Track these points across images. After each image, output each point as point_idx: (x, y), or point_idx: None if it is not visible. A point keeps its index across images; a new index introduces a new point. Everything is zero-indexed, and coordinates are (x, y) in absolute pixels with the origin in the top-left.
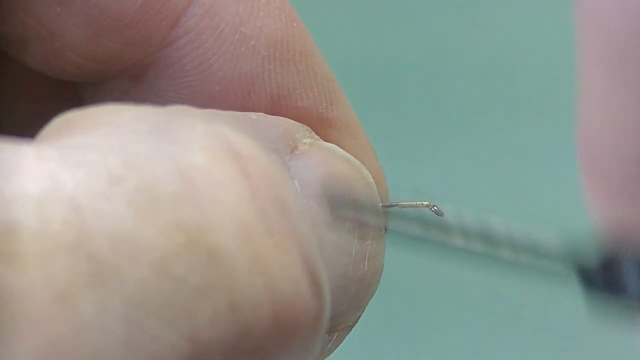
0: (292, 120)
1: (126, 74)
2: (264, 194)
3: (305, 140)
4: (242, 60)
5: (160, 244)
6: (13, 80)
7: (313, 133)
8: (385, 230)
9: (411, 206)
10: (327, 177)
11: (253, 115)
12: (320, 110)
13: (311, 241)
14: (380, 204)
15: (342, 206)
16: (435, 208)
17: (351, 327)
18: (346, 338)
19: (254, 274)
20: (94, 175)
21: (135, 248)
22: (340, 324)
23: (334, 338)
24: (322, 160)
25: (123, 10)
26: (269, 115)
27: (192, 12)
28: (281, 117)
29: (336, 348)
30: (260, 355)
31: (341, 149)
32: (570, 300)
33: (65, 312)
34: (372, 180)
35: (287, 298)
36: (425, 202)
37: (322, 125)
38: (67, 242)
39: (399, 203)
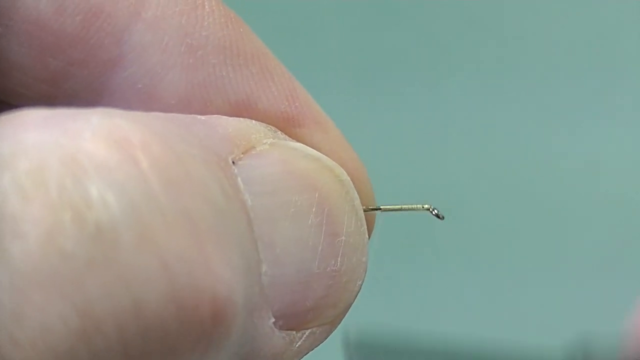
0: (253, 122)
1: (81, 99)
2: (155, 178)
3: (266, 141)
4: (192, 72)
5: (46, 219)
6: None
7: (278, 133)
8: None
9: (411, 209)
10: (284, 175)
11: (202, 117)
12: (283, 109)
13: (220, 229)
14: (380, 207)
15: None
16: (435, 211)
17: (331, 324)
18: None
19: (144, 250)
20: None
21: (21, 224)
22: (310, 320)
23: (305, 335)
24: (281, 159)
25: (63, 27)
26: (224, 117)
27: (135, 29)
28: (241, 119)
29: (313, 346)
30: (159, 335)
31: (310, 148)
32: None
33: None
34: (346, 178)
35: (180, 277)
36: (426, 205)
37: (288, 124)
38: None
39: (400, 206)
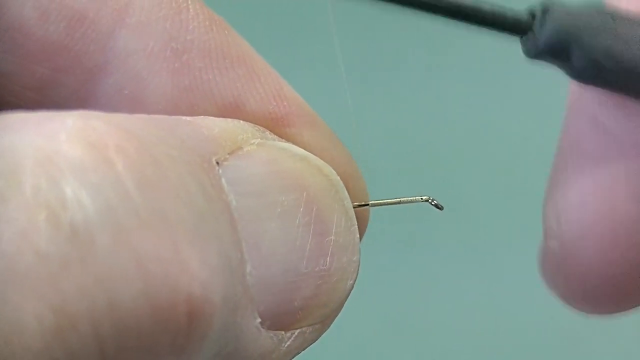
0: (241, 122)
1: (68, 106)
2: (129, 179)
3: (253, 141)
4: (178, 76)
5: (21, 219)
6: None
7: (267, 133)
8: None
9: (410, 202)
10: (271, 175)
11: (188, 118)
12: (271, 110)
13: (198, 229)
14: (381, 200)
15: None
16: (435, 202)
17: (322, 324)
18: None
19: (119, 250)
20: None
21: None
22: (299, 320)
23: (294, 335)
24: (268, 159)
25: (47, 34)
26: (211, 118)
27: (120, 35)
28: (228, 119)
29: (303, 346)
30: (135, 333)
31: (298, 148)
32: None
33: None
34: (335, 177)
35: (155, 277)
36: (425, 197)
37: (277, 124)
38: None
39: (399, 199)
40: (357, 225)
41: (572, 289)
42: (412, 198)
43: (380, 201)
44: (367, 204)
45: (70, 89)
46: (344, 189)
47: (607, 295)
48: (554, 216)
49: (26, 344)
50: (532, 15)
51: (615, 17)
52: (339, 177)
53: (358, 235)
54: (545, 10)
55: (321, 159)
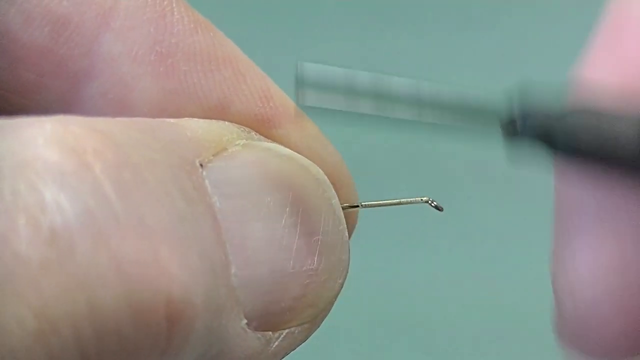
0: (226, 123)
1: (53, 110)
2: (108, 183)
3: (239, 142)
4: (163, 80)
5: (0, 224)
6: None
7: (253, 134)
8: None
9: (409, 203)
10: (256, 175)
11: (171, 120)
12: (257, 111)
13: (178, 232)
14: (380, 201)
15: None
16: (434, 203)
17: (311, 324)
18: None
19: (98, 254)
20: None
21: None
22: (287, 321)
23: (282, 336)
24: (253, 160)
25: (32, 39)
26: (195, 119)
27: (104, 39)
28: (213, 120)
29: (292, 346)
30: (115, 336)
31: (284, 148)
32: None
33: None
34: (323, 177)
35: (135, 280)
36: (425, 198)
37: (264, 125)
38: None
39: (398, 200)
40: (346, 224)
41: (592, 351)
42: (411, 199)
43: (380, 202)
44: (366, 206)
45: (56, 93)
46: (332, 188)
47: (631, 351)
48: (564, 284)
49: (8, 346)
50: (512, 123)
51: (599, 116)
52: (326, 177)
53: (347, 235)
54: (524, 118)
55: (309, 159)
